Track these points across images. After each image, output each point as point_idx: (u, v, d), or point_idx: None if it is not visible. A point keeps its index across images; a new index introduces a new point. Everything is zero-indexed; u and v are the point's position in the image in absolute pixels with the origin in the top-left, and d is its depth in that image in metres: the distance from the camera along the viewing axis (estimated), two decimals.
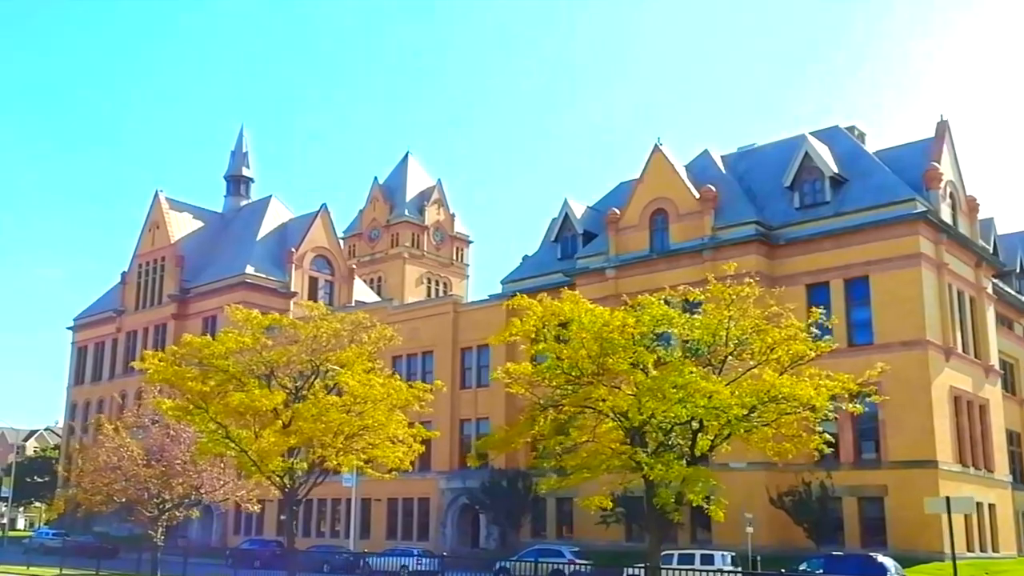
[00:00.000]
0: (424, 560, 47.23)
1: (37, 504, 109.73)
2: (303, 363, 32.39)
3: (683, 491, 24.06)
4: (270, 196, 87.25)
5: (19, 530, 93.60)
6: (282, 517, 61.57)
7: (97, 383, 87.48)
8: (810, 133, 53.49)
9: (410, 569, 46.33)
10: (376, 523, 62.99)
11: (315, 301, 79.92)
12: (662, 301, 24.96)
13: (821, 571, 34.90)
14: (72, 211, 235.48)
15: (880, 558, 34.87)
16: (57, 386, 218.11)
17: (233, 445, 31.66)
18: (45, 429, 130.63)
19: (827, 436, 24.14)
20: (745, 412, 22.61)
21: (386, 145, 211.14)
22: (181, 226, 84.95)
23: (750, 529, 40.51)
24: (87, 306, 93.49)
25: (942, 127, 51.95)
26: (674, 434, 24.19)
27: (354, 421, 30.89)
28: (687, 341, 24.20)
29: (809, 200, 51.22)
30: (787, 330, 23.53)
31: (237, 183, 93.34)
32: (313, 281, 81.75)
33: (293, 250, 79.96)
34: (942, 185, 49.47)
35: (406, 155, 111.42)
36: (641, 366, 23.64)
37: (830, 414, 24.00)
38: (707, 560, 37.73)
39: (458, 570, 46.67)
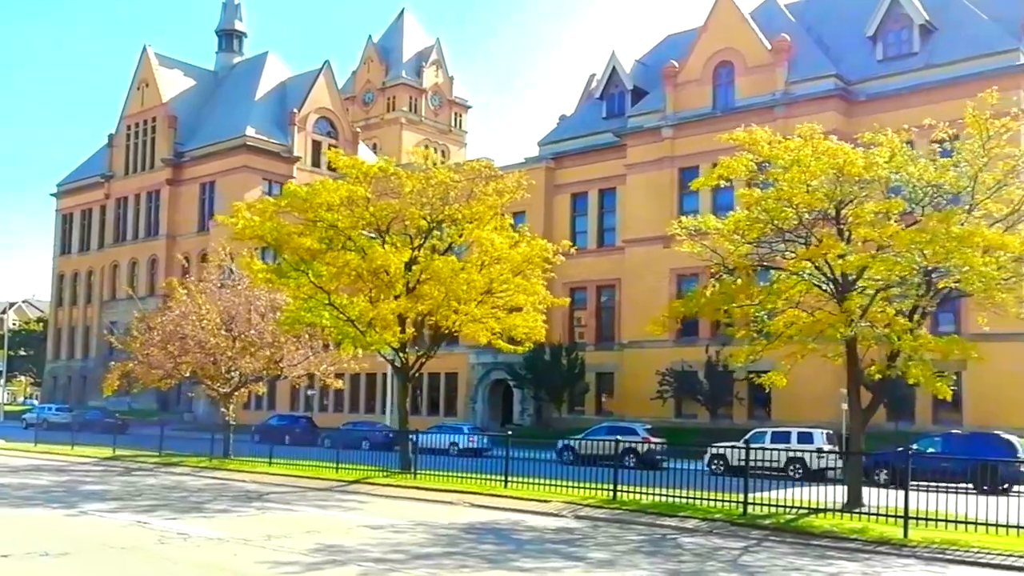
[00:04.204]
0: (476, 437, 44.35)
1: (21, 378, 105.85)
2: (414, 219, 27.99)
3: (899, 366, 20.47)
4: (266, 52, 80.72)
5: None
6: (310, 392, 58.45)
7: (85, 253, 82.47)
8: None
9: (460, 447, 43.46)
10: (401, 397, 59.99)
11: (318, 167, 75.51)
12: (900, 141, 20.65)
13: (933, 451, 32.25)
14: (51, 71, 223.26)
15: (1005, 435, 32.23)
16: (30, 257, 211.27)
17: (335, 313, 27.54)
18: (23, 302, 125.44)
19: None
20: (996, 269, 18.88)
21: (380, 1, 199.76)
22: (172, 84, 78.46)
23: (844, 406, 37.66)
24: (71, 171, 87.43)
25: None
26: (879, 298, 20.38)
27: (498, 284, 26.87)
28: (930, 186, 19.99)
29: (894, 52, 46.83)
30: None
31: (230, 38, 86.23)
32: (316, 145, 76.48)
33: (295, 111, 74.35)
34: None
35: (402, 11, 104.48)
36: (886, 216, 19.59)
37: None
38: (805, 438, 34.86)
39: (512, 447, 43.85)
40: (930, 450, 33.08)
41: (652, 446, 37.10)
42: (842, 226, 20.54)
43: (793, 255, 21.02)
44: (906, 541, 16.39)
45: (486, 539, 16.09)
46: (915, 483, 19.94)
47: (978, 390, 41.92)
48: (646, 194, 51.23)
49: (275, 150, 73.28)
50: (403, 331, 28.03)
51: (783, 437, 35.45)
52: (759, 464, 31.39)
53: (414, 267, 27.76)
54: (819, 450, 34.11)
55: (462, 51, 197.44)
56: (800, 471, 32.53)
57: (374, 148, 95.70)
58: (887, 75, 45.99)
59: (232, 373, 33.60)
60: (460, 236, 28.87)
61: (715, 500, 19.90)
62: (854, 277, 20.29)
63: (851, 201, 20.36)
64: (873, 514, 18.32)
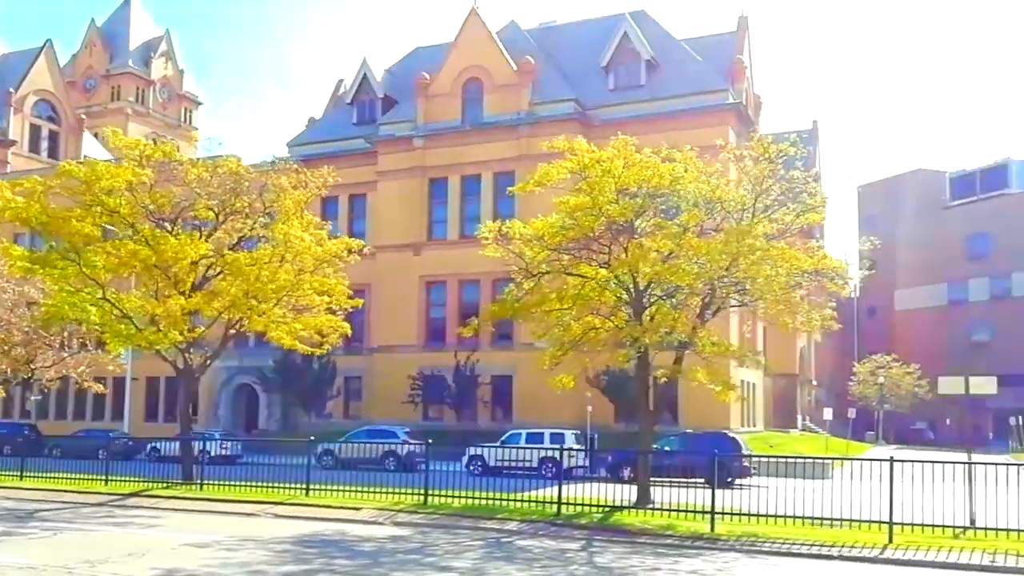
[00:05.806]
0: (228, 444, 43.72)
1: None
2: (201, 210, 27.10)
3: (677, 371, 23.19)
4: None
5: None
6: (36, 397, 54.35)
7: None
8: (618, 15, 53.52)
9: (211, 454, 42.67)
10: (135, 404, 57.53)
11: (37, 153, 70.23)
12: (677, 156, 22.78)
13: (670, 448, 35.99)
14: None
15: (731, 434, 36.73)
16: None
17: (109, 308, 26.00)
18: None
19: (831, 313, 24.05)
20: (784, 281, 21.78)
21: None
22: None
23: (590, 408, 41.23)
24: None
25: (743, 22, 54.14)
26: (669, 304, 22.72)
27: (303, 283, 26.69)
28: (712, 203, 22.41)
29: (624, 83, 51.45)
30: (815, 199, 22.80)
31: None
32: (35, 129, 71.52)
33: (12, 91, 68.76)
34: (745, 79, 51.74)
35: None
36: (684, 228, 21.73)
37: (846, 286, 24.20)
38: (557, 439, 37.60)
39: (269, 452, 43.30)
40: (667, 448, 37.11)
41: (412, 448, 38.54)
42: (637, 236, 22.45)
43: (595, 263, 22.79)
44: (715, 535, 17.58)
45: (330, 553, 16.15)
46: (660, 479, 22.62)
47: (692, 394, 46.77)
48: (398, 202, 52.73)
49: None
50: (191, 330, 27.26)
51: (537, 438, 37.59)
52: (515, 463, 33.88)
53: (202, 261, 27.01)
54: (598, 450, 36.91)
55: (195, 47, 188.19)
56: (552, 470, 35.29)
57: (97, 137, 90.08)
58: (618, 103, 50.41)
59: None
60: (251, 230, 28.35)
61: (527, 501, 21.09)
62: (645, 285, 22.39)
63: (644, 212, 22.58)
64: (682, 511, 19.70)
